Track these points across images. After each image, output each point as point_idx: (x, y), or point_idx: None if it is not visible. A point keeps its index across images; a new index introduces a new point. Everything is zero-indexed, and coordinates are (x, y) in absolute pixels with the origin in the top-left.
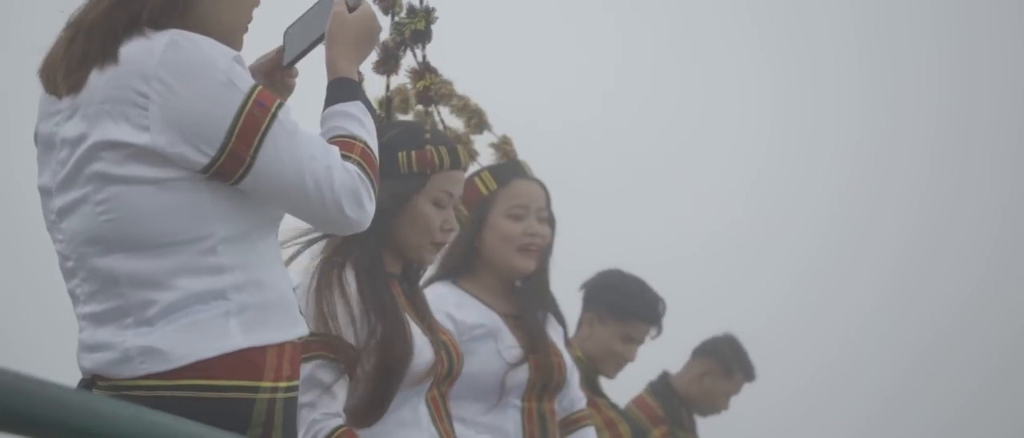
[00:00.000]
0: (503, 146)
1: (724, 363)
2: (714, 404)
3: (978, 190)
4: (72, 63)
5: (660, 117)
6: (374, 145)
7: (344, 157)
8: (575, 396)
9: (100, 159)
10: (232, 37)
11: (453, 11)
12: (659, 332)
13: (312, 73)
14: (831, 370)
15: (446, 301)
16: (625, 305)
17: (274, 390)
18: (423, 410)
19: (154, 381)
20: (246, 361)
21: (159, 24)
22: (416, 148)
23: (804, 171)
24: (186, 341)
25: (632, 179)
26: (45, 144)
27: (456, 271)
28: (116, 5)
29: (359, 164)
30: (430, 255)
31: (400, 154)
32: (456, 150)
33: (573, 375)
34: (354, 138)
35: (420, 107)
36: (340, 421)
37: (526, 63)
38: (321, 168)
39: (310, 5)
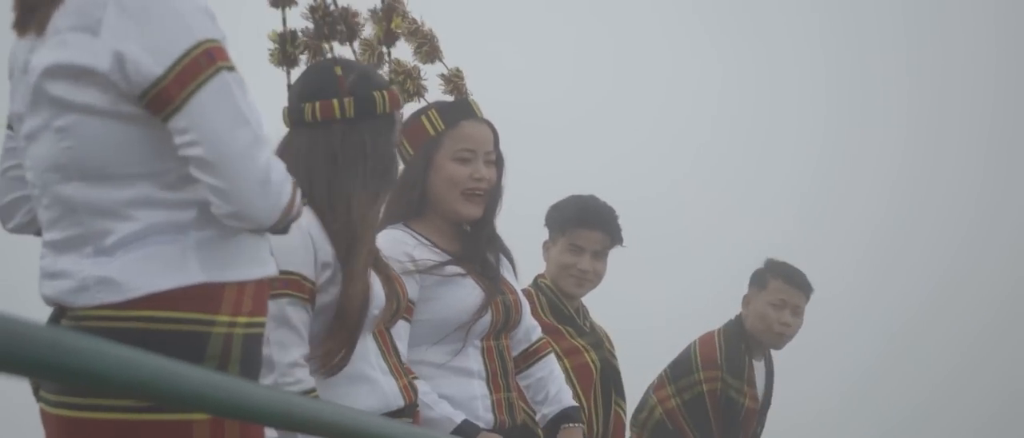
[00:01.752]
0: (454, 79)
1: (759, 280)
2: (770, 327)
3: (949, 180)
4: (44, 4)
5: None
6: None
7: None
8: (529, 326)
9: (58, 83)
10: None
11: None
12: (614, 240)
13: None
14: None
15: (404, 243)
16: (565, 217)
17: (232, 324)
18: (372, 345)
19: (109, 311)
20: (202, 295)
21: None
22: (385, 88)
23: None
24: (142, 272)
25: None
26: (19, 71)
27: (406, 214)
28: None
29: (293, 184)
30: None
31: (376, 94)
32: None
33: (525, 308)
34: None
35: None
36: (311, 384)
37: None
38: (250, 137)
39: None
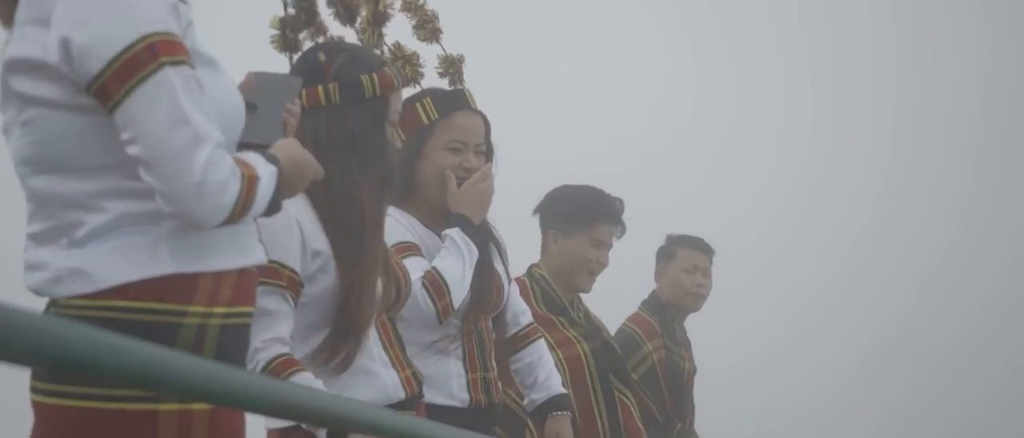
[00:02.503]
0: (452, 64)
1: (667, 254)
2: (684, 291)
3: (939, 175)
4: None
5: None
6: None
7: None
8: (519, 310)
9: (18, 78)
10: None
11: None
12: (623, 231)
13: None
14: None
15: (401, 218)
16: (586, 211)
17: (207, 315)
18: (372, 336)
19: (81, 301)
20: (174, 285)
21: None
22: (374, 71)
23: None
24: (111, 263)
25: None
26: None
27: (400, 198)
28: None
29: (243, 172)
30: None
31: (363, 78)
32: (402, 71)
33: (513, 292)
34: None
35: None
36: (280, 350)
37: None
38: (187, 137)
39: (270, 76)
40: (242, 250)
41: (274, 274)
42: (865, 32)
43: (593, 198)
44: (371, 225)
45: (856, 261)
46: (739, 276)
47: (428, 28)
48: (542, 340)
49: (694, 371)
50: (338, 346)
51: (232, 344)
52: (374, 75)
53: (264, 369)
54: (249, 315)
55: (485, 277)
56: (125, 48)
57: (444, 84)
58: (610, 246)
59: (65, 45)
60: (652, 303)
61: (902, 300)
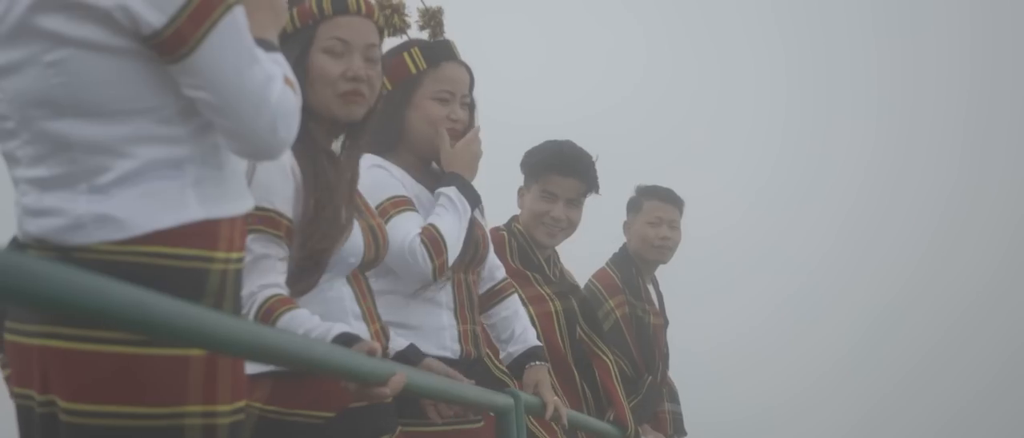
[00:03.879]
0: (433, 17)
1: (634, 206)
2: (650, 243)
3: (923, 168)
4: None
5: None
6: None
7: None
8: (493, 265)
9: (50, 16)
10: None
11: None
12: (589, 187)
13: None
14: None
15: (393, 171)
16: (537, 161)
17: (227, 261)
18: (346, 290)
19: (109, 246)
20: (203, 231)
21: None
22: (296, 4)
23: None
24: (144, 209)
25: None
26: None
27: (380, 148)
28: None
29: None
30: (340, 109)
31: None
32: (431, 48)
33: (490, 247)
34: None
35: None
36: (274, 290)
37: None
38: (261, 75)
39: None
40: (244, 194)
41: (273, 223)
42: (846, 20)
43: (548, 149)
44: (310, 158)
45: (844, 245)
46: (723, 258)
47: None
48: (516, 295)
49: (665, 324)
50: (300, 275)
51: (239, 289)
52: (294, 10)
53: (259, 307)
54: (243, 260)
55: (471, 229)
56: None
57: (424, 37)
58: (569, 200)
59: None
60: (619, 257)
61: (891, 286)
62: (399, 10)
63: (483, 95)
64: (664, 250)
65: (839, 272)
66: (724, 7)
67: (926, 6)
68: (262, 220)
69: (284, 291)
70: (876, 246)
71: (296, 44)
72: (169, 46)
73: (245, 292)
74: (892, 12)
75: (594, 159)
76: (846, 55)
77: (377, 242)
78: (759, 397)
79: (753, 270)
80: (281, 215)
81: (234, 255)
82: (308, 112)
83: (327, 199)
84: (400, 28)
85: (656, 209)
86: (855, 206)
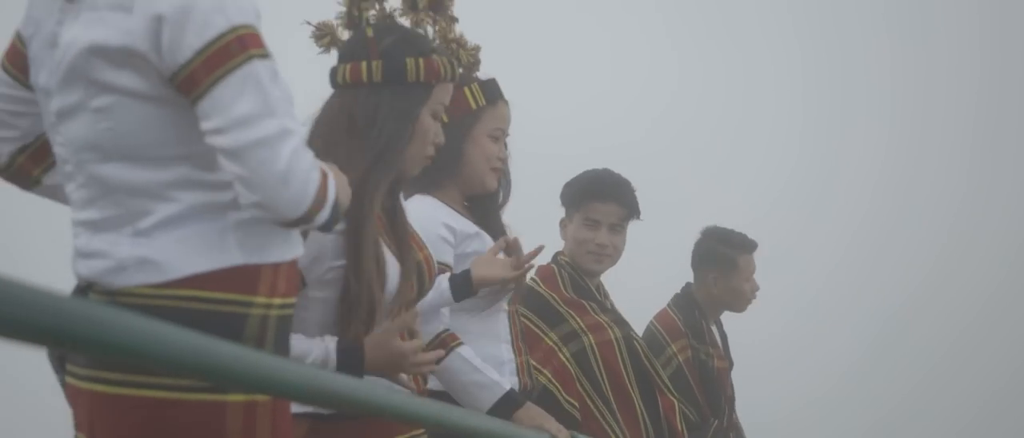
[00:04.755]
0: (471, 54)
1: (723, 260)
2: (741, 295)
3: (934, 175)
4: None
5: None
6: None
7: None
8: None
9: (97, 64)
10: None
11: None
12: (631, 213)
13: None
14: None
15: (439, 211)
16: (578, 190)
17: (268, 306)
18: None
19: (148, 290)
20: (241, 276)
21: None
22: (423, 56)
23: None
24: (182, 253)
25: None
26: (44, 42)
27: (433, 184)
28: None
29: (322, 174)
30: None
31: (408, 60)
32: (453, 63)
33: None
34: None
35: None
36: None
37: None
38: (275, 128)
39: None
40: (292, 242)
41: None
42: (859, 25)
43: (587, 178)
44: (359, 214)
45: (854, 255)
46: None
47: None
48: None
49: (730, 366)
50: (344, 329)
51: (285, 336)
52: (421, 60)
53: None
54: (293, 306)
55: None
56: (215, 38)
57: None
58: (612, 226)
59: (153, 33)
60: (682, 299)
61: (900, 295)
62: (470, 49)
63: (519, 128)
64: (748, 303)
65: (853, 277)
66: (738, 18)
67: (936, 10)
68: None
69: None
70: (888, 251)
71: (414, 96)
72: (185, 88)
73: None
74: (904, 17)
75: (632, 185)
76: (860, 60)
77: (423, 279)
78: (776, 403)
79: (768, 278)
80: None
81: (276, 300)
82: (396, 162)
83: (369, 246)
84: (471, 66)
85: (751, 263)
86: (868, 212)
